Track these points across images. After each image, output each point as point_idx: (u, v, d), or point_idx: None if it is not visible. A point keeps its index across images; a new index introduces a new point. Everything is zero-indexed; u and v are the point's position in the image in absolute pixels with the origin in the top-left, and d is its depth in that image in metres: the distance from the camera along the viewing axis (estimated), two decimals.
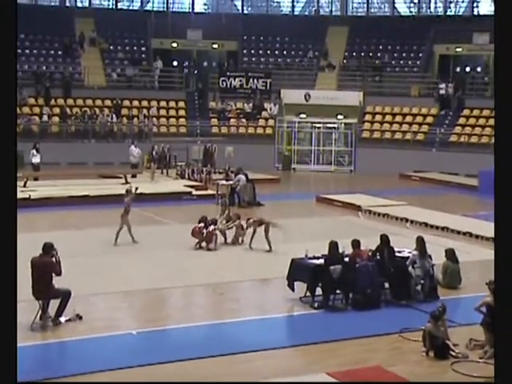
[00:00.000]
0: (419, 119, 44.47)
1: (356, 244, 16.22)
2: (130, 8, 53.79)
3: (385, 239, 16.52)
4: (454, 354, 12.79)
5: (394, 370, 12.12)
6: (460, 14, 52.37)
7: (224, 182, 30.32)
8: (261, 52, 50.28)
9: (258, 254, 20.72)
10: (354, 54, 49.34)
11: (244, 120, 44.84)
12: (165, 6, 52.66)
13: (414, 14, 53.22)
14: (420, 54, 48.54)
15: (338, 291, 15.75)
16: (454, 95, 44.03)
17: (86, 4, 51.91)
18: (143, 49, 49.19)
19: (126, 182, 31.70)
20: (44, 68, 45.13)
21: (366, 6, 53.46)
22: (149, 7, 53.05)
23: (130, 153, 34.76)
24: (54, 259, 14.00)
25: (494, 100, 38.98)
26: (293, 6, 54.02)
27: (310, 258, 16.26)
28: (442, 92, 43.88)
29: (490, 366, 12.19)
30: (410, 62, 48.55)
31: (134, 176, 33.56)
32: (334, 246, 15.75)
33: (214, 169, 35.46)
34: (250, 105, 45.37)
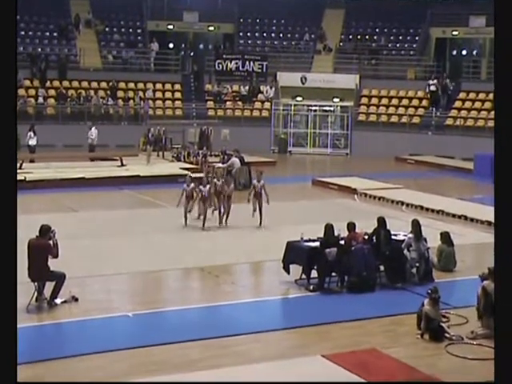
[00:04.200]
0: (415, 102, 44.44)
1: (351, 227, 16.22)
2: None
3: (382, 222, 16.54)
4: (448, 336, 12.85)
5: (389, 353, 12.17)
6: None
7: (220, 164, 30.30)
8: (257, 35, 50.13)
9: (254, 236, 20.77)
10: (351, 36, 49.14)
11: (240, 103, 44.78)
12: None
13: None
14: (416, 37, 48.44)
15: (333, 274, 15.79)
16: (445, 88, 43.76)
17: None
18: (139, 31, 48.98)
19: (122, 165, 31.73)
20: (39, 50, 44.90)
21: None
22: None
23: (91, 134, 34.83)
24: (51, 242, 14.02)
25: (489, 83, 39.20)
26: None
27: (306, 241, 16.29)
28: (433, 88, 43.68)
29: (485, 348, 12.29)
30: (406, 45, 48.45)
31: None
32: (329, 228, 15.79)
33: (209, 151, 35.44)
34: (246, 87, 45.30)
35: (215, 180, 21.78)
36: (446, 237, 17.77)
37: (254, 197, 21.56)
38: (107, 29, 48.08)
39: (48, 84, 42.59)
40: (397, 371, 11.60)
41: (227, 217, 21.63)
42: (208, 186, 21.25)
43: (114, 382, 11.01)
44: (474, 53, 50.22)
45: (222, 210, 21.58)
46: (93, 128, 34.75)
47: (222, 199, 21.51)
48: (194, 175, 24.54)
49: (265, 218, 21.55)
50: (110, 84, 43.29)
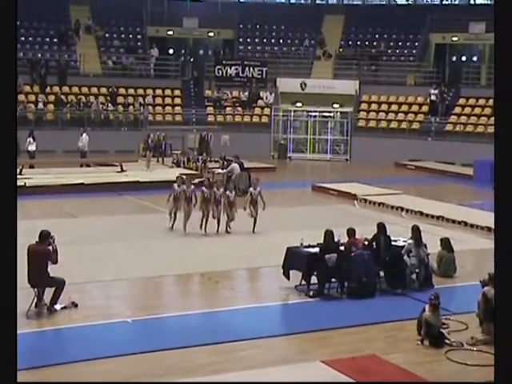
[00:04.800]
0: (415, 108, 44.51)
1: (351, 232, 16.22)
2: None
3: (382, 227, 16.54)
4: (448, 342, 12.85)
5: (389, 359, 12.16)
6: (456, 2, 52.33)
7: (220, 170, 30.33)
8: (257, 40, 50.22)
9: (254, 242, 20.76)
10: (350, 42, 49.27)
11: (240, 108, 44.83)
12: None
13: (410, 2, 53.10)
14: (416, 43, 48.52)
15: (333, 280, 15.78)
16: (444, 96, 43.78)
17: None
18: (139, 37, 49.07)
19: (122, 170, 31.74)
20: (39, 55, 44.97)
21: None
22: None
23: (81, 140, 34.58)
24: (50, 247, 14.01)
25: (488, 89, 39.27)
26: None
27: (306, 247, 16.28)
28: (434, 98, 43.69)
29: (485, 354, 12.28)
30: (406, 51, 48.53)
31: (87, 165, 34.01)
32: (329, 234, 15.78)
33: (209, 157, 35.45)
34: (246, 93, 45.35)
35: (215, 189, 21.63)
36: (445, 243, 17.76)
37: (250, 204, 21.57)
38: (107, 34, 48.16)
39: (48, 90, 42.62)
40: (397, 377, 11.58)
41: (227, 223, 21.59)
42: (209, 190, 21.20)
43: (115, 382, 11.00)
44: (474, 59, 50.26)
45: (226, 217, 21.54)
46: (84, 134, 34.53)
47: (225, 206, 21.45)
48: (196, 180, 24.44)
49: (263, 224, 21.56)
50: (110, 90, 43.33)
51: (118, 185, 28.93)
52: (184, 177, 22.98)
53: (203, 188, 21.33)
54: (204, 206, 21.13)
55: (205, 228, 21.17)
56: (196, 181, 22.85)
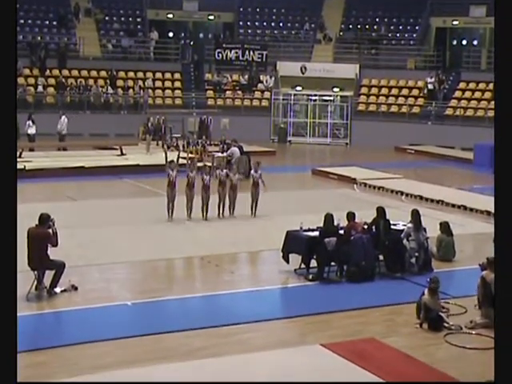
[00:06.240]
0: (415, 92, 44.43)
1: (351, 216, 16.24)
2: None
3: (381, 211, 16.55)
4: (447, 325, 12.88)
5: (388, 342, 12.19)
6: None
7: (219, 154, 30.31)
8: (257, 24, 50.02)
9: (253, 225, 20.77)
10: (351, 26, 49.06)
11: (240, 92, 44.75)
12: None
13: None
14: (416, 27, 48.34)
15: (332, 263, 15.80)
16: (442, 83, 43.64)
17: None
18: (139, 20, 48.88)
19: (122, 154, 31.73)
20: (39, 38, 44.81)
21: None
22: None
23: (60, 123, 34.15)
24: (50, 230, 14.03)
25: (489, 73, 39.22)
26: None
27: (305, 231, 16.31)
28: (431, 87, 43.55)
29: (484, 338, 12.33)
30: (406, 35, 48.36)
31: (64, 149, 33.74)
32: (329, 218, 15.80)
33: (209, 141, 35.41)
34: (246, 77, 45.28)
35: (218, 170, 21.66)
36: (445, 227, 17.78)
37: (251, 186, 21.59)
38: (107, 17, 47.96)
39: (47, 73, 42.55)
40: (395, 360, 11.63)
41: (233, 207, 21.57)
42: (209, 176, 21.14)
43: (113, 382, 11.02)
44: (474, 42, 50.15)
45: (228, 201, 21.50)
46: (63, 117, 34.12)
47: (228, 189, 21.41)
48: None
49: (263, 208, 21.59)
50: (110, 73, 43.25)
51: (118, 168, 28.94)
52: (175, 161, 22.67)
53: (203, 175, 21.10)
54: (203, 192, 21.04)
55: (204, 214, 21.08)
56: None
